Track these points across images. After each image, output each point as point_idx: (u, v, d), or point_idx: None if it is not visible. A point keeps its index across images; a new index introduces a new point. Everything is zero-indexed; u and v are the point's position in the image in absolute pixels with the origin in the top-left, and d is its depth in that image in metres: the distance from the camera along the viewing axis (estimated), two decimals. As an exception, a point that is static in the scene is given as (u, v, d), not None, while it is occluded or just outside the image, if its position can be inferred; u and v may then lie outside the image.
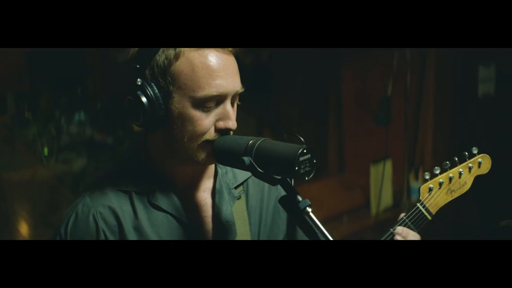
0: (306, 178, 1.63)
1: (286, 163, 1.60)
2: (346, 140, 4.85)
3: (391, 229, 1.99)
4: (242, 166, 1.67)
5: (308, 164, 1.62)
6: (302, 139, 1.73)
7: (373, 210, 4.70)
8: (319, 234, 1.64)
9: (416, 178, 4.80)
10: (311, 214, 1.63)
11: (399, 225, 1.99)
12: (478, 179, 2.13)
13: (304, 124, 4.84)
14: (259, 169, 1.66)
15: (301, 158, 1.59)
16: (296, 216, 1.67)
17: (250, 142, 1.70)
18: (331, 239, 1.62)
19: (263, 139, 1.70)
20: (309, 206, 1.64)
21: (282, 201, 1.70)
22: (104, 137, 3.69)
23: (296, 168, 1.58)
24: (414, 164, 4.76)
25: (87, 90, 3.73)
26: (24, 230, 3.43)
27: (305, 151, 1.60)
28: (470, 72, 5.05)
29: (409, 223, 1.99)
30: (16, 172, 3.39)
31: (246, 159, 1.67)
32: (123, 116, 3.58)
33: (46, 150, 3.44)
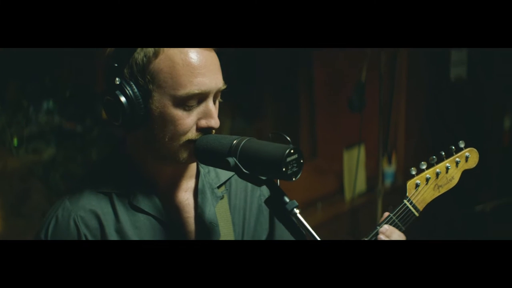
0: (294, 179, 1.61)
1: (273, 164, 1.58)
2: (318, 125, 4.83)
3: (378, 227, 1.97)
4: (227, 167, 1.64)
5: (295, 165, 1.61)
6: (288, 138, 1.71)
7: (347, 195, 4.71)
8: (307, 235, 1.63)
9: (389, 163, 4.82)
10: (298, 215, 1.62)
11: (386, 222, 1.97)
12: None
13: (275, 109, 4.82)
14: (244, 170, 1.63)
15: (289, 159, 1.57)
16: (283, 217, 1.65)
17: (235, 142, 1.67)
18: (318, 238, 1.62)
19: (247, 138, 1.67)
20: (297, 207, 1.62)
21: (268, 202, 1.68)
22: (73, 126, 3.63)
23: (284, 169, 1.57)
24: (387, 149, 4.76)
25: (55, 79, 3.67)
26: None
27: (292, 151, 1.58)
28: (442, 56, 5.06)
29: (396, 220, 1.98)
30: None
31: (231, 159, 1.64)
32: (91, 105, 3.53)
33: (15, 141, 3.36)
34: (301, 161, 1.63)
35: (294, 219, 1.63)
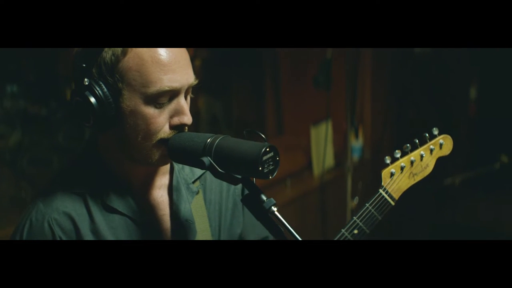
0: (270, 177, 1.62)
1: (249, 163, 1.58)
2: (283, 101, 4.84)
3: (354, 217, 1.99)
4: (202, 167, 1.64)
5: (271, 163, 1.61)
6: (263, 136, 1.70)
7: (316, 171, 4.73)
8: (285, 233, 1.64)
9: (357, 137, 4.85)
10: (276, 213, 1.63)
11: (363, 212, 1.99)
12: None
13: (239, 85, 4.81)
14: (219, 169, 1.63)
15: (265, 157, 1.58)
16: (261, 215, 1.66)
17: (209, 140, 1.66)
18: (298, 237, 1.63)
19: (221, 136, 1.67)
20: (274, 205, 1.64)
21: (245, 200, 1.69)
22: (38, 109, 3.59)
23: (260, 168, 1.57)
24: (354, 123, 4.79)
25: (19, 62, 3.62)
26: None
27: (268, 149, 1.58)
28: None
29: (373, 210, 1.99)
30: None
31: (206, 159, 1.63)
32: (55, 87, 3.49)
33: None
34: (277, 158, 1.63)
35: (272, 217, 1.64)
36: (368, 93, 5.09)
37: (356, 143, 4.82)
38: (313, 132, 4.70)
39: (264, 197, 1.65)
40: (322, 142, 4.61)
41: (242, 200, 1.71)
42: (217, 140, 1.65)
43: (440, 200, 4.68)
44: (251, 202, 1.68)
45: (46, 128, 3.54)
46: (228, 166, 1.63)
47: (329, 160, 4.76)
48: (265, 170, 1.59)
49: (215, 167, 1.63)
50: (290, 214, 4.44)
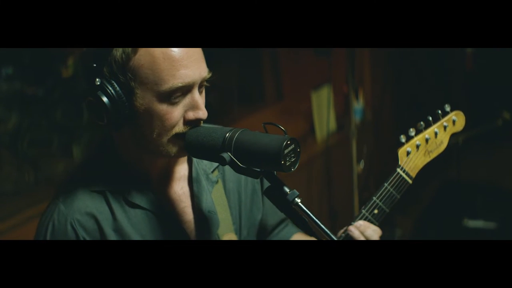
0: (292, 169, 1.61)
1: (271, 158, 1.57)
2: (282, 65, 4.80)
3: (374, 197, 2.01)
4: (222, 163, 1.63)
5: (293, 155, 1.60)
6: (283, 128, 1.68)
7: (319, 136, 4.72)
8: (310, 223, 1.63)
9: (357, 99, 4.82)
10: (300, 204, 1.62)
11: (382, 192, 1.99)
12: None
13: (237, 56, 4.77)
14: (240, 164, 1.62)
15: (286, 150, 1.57)
16: (284, 207, 1.66)
17: (227, 135, 1.64)
18: (323, 227, 1.63)
19: (240, 130, 1.65)
20: (298, 196, 1.63)
21: (267, 192, 1.68)
22: (34, 90, 3.55)
23: (282, 162, 1.55)
24: (354, 85, 4.76)
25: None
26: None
27: (289, 142, 1.57)
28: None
29: (391, 189, 2.00)
30: None
31: (226, 155, 1.62)
32: (49, 66, 3.44)
33: None
34: (298, 150, 1.62)
35: (296, 208, 1.63)
36: (367, 55, 5.06)
37: (357, 105, 4.80)
38: (314, 96, 4.67)
39: (287, 189, 1.64)
40: (324, 106, 4.59)
41: (264, 193, 1.70)
42: (236, 135, 1.64)
43: (445, 159, 4.68)
44: (274, 194, 1.67)
45: (44, 108, 3.50)
46: (249, 161, 1.62)
47: (332, 124, 4.75)
48: (287, 163, 1.58)
49: (236, 162, 1.62)
50: (295, 182, 4.43)
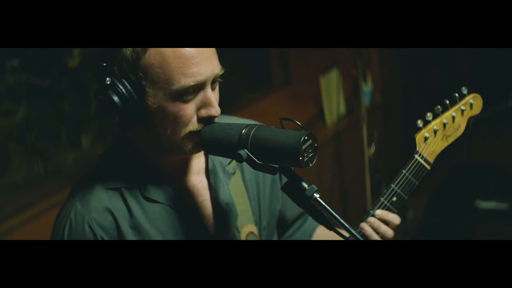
0: (310, 165, 1.59)
1: (288, 154, 1.56)
2: (289, 49, 4.77)
3: (392, 185, 1.99)
4: (239, 160, 1.61)
5: (310, 150, 1.58)
6: (300, 124, 1.66)
7: (328, 120, 4.69)
8: (329, 218, 1.62)
9: (365, 82, 4.80)
10: (319, 199, 1.61)
11: (400, 179, 1.97)
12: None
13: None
14: (258, 161, 1.60)
15: (304, 146, 1.55)
16: (303, 202, 1.65)
17: (243, 131, 1.63)
18: (343, 222, 1.61)
19: (256, 126, 1.64)
20: (316, 191, 1.61)
21: (285, 188, 1.67)
22: (40, 81, 3.54)
23: (300, 158, 1.54)
24: (362, 68, 4.74)
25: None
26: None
27: (306, 137, 1.56)
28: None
29: (410, 176, 1.98)
30: None
31: (243, 152, 1.61)
32: (55, 56, 3.42)
33: None
34: (316, 145, 1.60)
35: (315, 203, 1.62)
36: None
37: (366, 88, 4.78)
38: (323, 80, 4.64)
39: (305, 185, 1.63)
40: (332, 90, 4.57)
41: (282, 188, 1.68)
42: (253, 131, 1.62)
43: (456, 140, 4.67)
44: (292, 190, 1.66)
45: (51, 99, 3.49)
46: (266, 157, 1.61)
47: (341, 107, 4.73)
48: (305, 159, 1.57)
49: (253, 159, 1.61)
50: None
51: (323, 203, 1.61)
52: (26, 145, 3.34)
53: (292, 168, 1.65)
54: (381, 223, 1.93)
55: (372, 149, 4.06)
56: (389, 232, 1.93)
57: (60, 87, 3.52)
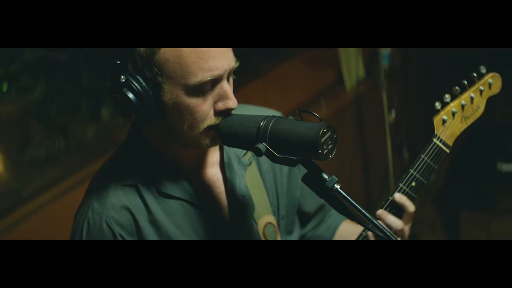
0: (330, 157, 1.58)
1: (308, 147, 1.55)
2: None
3: (411, 170, 1.97)
4: (258, 154, 1.60)
5: (329, 142, 1.57)
6: (318, 116, 1.64)
7: (348, 84, 4.64)
8: (350, 208, 1.62)
9: (384, 44, 4.74)
10: (340, 190, 1.60)
11: (419, 164, 1.96)
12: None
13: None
14: (277, 154, 1.59)
15: (323, 139, 1.53)
16: (324, 193, 1.64)
17: (262, 124, 1.61)
18: (364, 212, 1.60)
19: (274, 119, 1.62)
20: (337, 182, 1.60)
21: (305, 179, 1.66)
22: (58, 55, 3.54)
23: (320, 151, 1.53)
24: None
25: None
26: (3, 176, 3.33)
27: (325, 130, 1.54)
28: None
29: (428, 161, 1.96)
30: None
31: (262, 146, 1.60)
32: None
33: (5, 86, 3.28)
34: (335, 136, 1.59)
35: (336, 194, 1.61)
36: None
37: (385, 50, 4.72)
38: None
39: (325, 176, 1.62)
40: (351, 54, 4.52)
41: (302, 180, 1.67)
42: (271, 124, 1.61)
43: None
44: (312, 181, 1.65)
45: (69, 73, 3.50)
46: (285, 151, 1.60)
47: (360, 71, 4.67)
48: (325, 151, 1.55)
49: (272, 152, 1.60)
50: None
51: (344, 193, 1.60)
52: (46, 120, 3.35)
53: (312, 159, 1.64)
54: (388, 214, 1.93)
55: (393, 114, 4.03)
56: (397, 224, 1.92)
57: (78, 61, 3.52)
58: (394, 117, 4.02)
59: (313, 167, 1.64)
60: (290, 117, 1.71)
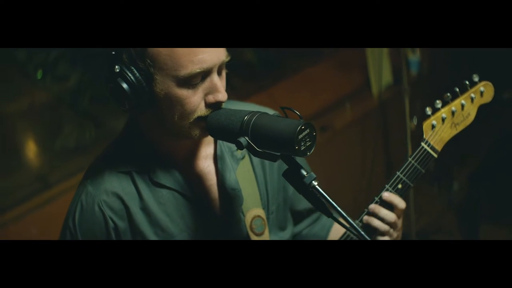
0: (308, 154, 1.62)
1: (285, 143, 1.59)
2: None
3: (398, 172, 2.00)
4: (239, 147, 1.65)
5: (308, 139, 1.60)
6: (298, 113, 1.69)
7: (374, 89, 4.64)
8: (328, 205, 1.65)
9: (413, 51, 4.72)
10: (317, 187, 1.64)
11: (406, 166, 1.99)
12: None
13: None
14: (257, 148, 1.64)
15: (300, 136, 1.58)
16: (302, 189, 1.68)
17: (245, 118, 1.67)
18: (340, 210, 1.63)
19: (257, 114, 1.67)
20: (315, 179, 1.64)
21: (286, 174, 1.70)
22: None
23: (296, 147, 1.57)
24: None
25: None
26: (32, 161, 3.43)
27: (303, 127, 1.58)
28: None
29: (416, 164, 1.99)
30: (14, 101, 3.33)
31: (243, 140, 1.65)
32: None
33: (40, 73, 3.36)
34: (314, 134, 1.62)
35: (314, 191, 1.65)
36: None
37: (414, 57, 4.69)
38: (369, 49, 4.58)
39: (304, 172, 1.65)
40: (379, 59, 4.52)
41: (283, 175, 1.71)
42: (253, 119, 1.66)
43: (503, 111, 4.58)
44: (292, 177, 1.69)
45: (103, 62, 3.56)
46: (265, 145, 1.64)
47: (387, 77, 4.67)
48: (302, 148, 1.59)
49: (253, 146, 1.65)
50: (351, 136, 4.43)
51: (321, 191, 1.64)
52: (78, 109, 3.43)
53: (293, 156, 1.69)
54: (381, 208, 1.96)
55: (414, 121, 4.02)
56: (390, 216, 1.95)
57: (111, 51, 3.60)
58: (415, 124, 4.01)
59: (293, 163, 1.68)
60: (275, 114, 1.77)
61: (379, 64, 4.55)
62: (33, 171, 3.37)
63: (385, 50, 4.55)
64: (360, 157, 4.40)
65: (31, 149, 3.39)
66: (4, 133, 3.25)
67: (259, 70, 4.18)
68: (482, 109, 2.06)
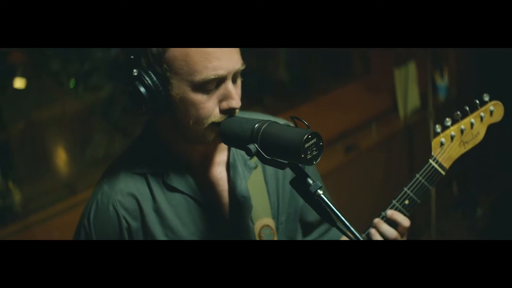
0: (314, 163, 1.65)
1: (291, 151, 1.62)
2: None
3: (405, 188, 2.01)
4: (249, 154, 1.69)
5: (314, 149, 1.64)
6: (306, 123, 1.72)
7: (401, 113, 4.66)
8: (332, 215, 1.68)
9: (442, 76, 4.73)
10: (322, 196, 1.67)
11: (413, 183, 2.00)
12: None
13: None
14: (266, 156, 1.68)
15: (307, 145, 1.61)
16: (308, 197, 1.71)
17: (256, 126, 1.70)
18: (344, 220, 1.66)
19: (268, 122, 1.71)
20: (320, 188, 1.67)
21: (293, 183, 1.74)
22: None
23: (302, 155, 1.60)
24: (440, 63, 4.68)
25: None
26: (61, 169, 3.49)
27: (309, 136, 1.61)
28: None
29: (423, 181, 2.00)
30: (46, 109, 3.39)
31: (252, 147, 1.68)
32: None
33: (72, 82, 3.42)
34: (321, 144, 1.65)
35: (319, 200, 1.69)
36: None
37: (442, 82, 4.70)
38: (397, 73, 4.61)
39: (310, 181, 1.69)
40: (407, 83, 4.53)
41: (290, 183, 1.74)
42: (263, 127, 1.70)
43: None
44: (299, 185, 1.72)
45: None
46: (273, 153, 1.68)
47: (415, 101, 4.68)
48: (308, 157, 1.62)
49: (261, 154, 1.68)
50: (376, 158, 4.44)
51: (326, 200, 1.67)
52: (110, 120, 3.50)
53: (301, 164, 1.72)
54: (382, 223, 1.97)
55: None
56: (390, 232, 1.95)
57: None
58: (441, 148, 4.01)
59: (299, 172, 1.71)
60: (286, 123, 1.81)
61: (406, 87, 4.56)
62: (61, 178, 3.43)
63: (413, 74, 4.56)
64: (383, 178, 4.40)
65: (60, 157, 3.45)
66: (35, 140, 3.30)
67: (289, 88, 4.27)
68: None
